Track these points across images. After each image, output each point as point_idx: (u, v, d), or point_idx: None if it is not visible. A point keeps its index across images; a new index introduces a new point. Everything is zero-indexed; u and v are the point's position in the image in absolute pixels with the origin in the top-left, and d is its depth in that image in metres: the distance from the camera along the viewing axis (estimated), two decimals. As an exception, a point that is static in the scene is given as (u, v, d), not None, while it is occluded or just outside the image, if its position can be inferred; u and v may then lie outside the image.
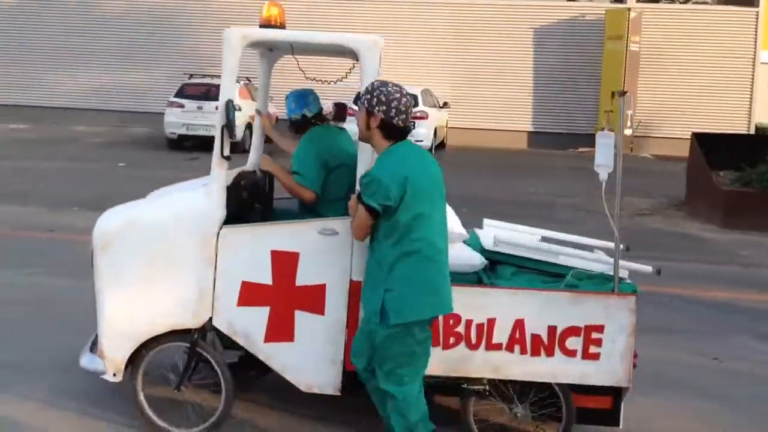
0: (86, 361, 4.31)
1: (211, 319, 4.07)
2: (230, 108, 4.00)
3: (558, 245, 4.55)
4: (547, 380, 4.07)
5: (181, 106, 18.14)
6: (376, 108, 3.56)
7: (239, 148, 17.94)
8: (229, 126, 3.99)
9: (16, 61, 24.03)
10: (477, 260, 4.26)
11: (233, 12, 23.68)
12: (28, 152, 16.23)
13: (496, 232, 4.55)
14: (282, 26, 4.27)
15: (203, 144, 17.98)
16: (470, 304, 4.00)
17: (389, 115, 3.55)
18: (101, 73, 23.49)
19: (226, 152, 4.05)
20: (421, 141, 17.65)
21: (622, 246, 4.22)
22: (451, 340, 4.03)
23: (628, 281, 4.26)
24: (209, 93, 18.23)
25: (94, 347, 4.27)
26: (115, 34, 23.58)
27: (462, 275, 4.12)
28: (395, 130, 3.59)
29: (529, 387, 4.13)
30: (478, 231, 4.78)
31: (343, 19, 23.13)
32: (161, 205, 4.27)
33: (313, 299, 4.04)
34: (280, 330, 4.07)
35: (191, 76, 19.30)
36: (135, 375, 4.18)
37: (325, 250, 4.02)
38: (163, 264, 4.06)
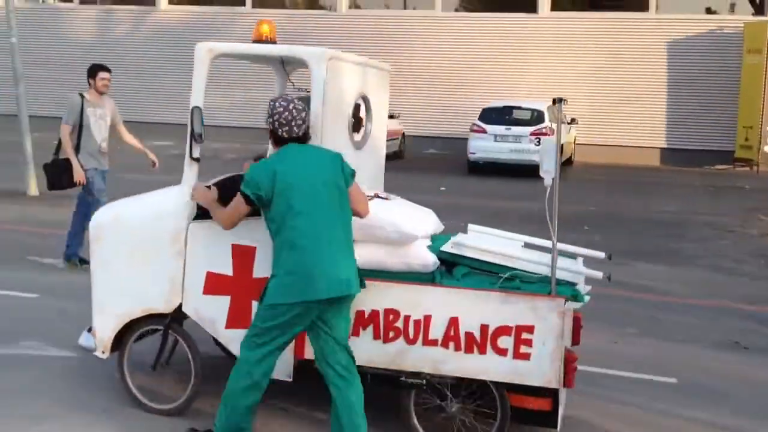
0: (83, 339, 5.14)
1: (181, 305, 4.51)
2: (195, 115, 4.47)
3: (532, 251, 4.74)
4: (479, 377, 4.22)
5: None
6: (268, 120, 4.13)
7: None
8: (194, 132, 4.42)
9: (161, 79, 25.30)
10: (430, 260, 4.42)
11: (357, 32, 24.17)
12: (173, 167, 16.94)
13: (459, 236, 4.79)
14: (273, 41, 4.73)
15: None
16: (409, 300, 4.23)
17: (274, 126, 4.11)
18: (239, 91, 24.34)
19: (196, 155, 4.46)
20: (546, 158, 17.36)
21: (604, 254, 4.59)
22: (391, 334, 4.27)
23: (577, 287, 4.33)
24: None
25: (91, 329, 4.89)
26: (249, 54, 24.48)
27: (416, 274, 4.38)
28: (280, 139, 4.13)
29: (466, 384, 4.29)
30: (460, 234, 4.95)
31: (474, 36, 23.20)
32: (143, 203, 4.75)
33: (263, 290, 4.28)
34: (239, 318, 4.41)
35: (303, 90, 19.77)
36: (121, 354, 4.72)
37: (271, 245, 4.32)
38: (143, 255, 4.57)
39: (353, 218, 4.16)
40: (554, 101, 4.32)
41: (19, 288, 7.07)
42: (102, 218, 4.73)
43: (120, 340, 4.68)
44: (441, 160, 20.95)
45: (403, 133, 21.33)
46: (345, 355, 4.07)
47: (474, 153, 17.88)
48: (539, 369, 4.12)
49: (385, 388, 4.39)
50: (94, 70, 8.03)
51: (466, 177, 17.66)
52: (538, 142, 17.29)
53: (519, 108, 18.35)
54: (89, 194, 7.99)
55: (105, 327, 4.66)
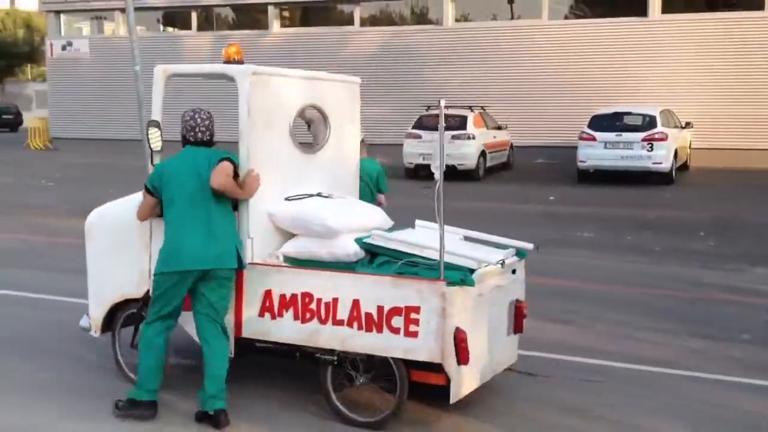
0: (83, 322, 5.61)
1: (149, 291, 5.04)
2: (150, 126, 5.13)
3: (460, 243, 5.27)
4: (379, 353, 4.65)
5: (418, 137, 18.78)
6: (181, 126, 4.92)
7: (473, 176, 18.35)
8: (148, 142, 5.11)
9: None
10: (351, 251, 4.95)
11: (464, 44, 24.29)
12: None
13: (395, 231, 5.23)
14: (240, 62, 5.34)
15: (439, 173, 18.50)
16: (320, 285, 4.75)
17: (183, 131, 4.92)
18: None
19: (156, 161, 5.07)
20: (660, 163, 16.98)
21: (532, 246, 5.18)
22: (307, 315, 4.78)
23: (477, 272, 4.68)
24: (445, 123, 18.74)
25: None
26: (363, 71, 24.88)
27: (342, 263, 4.92)
28: (186, 142, 4.91)
29: (371, 360, 4.71)
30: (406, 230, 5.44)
31: (581, 43, 22.96)
32: (124, 204, 5.37)
33: None
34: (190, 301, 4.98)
35: (429, 107, 19.96)
36: (113, 335, 5.47)
37: None
38: (120, 249, 5.29)
39: (292, 215, 5.02)
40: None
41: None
42: (92, 218, 5.53)
43: (110, 322, 5.46)
44: (550, 169, 20.78)
45: (512, 144, 21.29)
46: (209, 324, 4.81)
47: (584, 161, 17.66)
48: (426, 346, 4.52)
49: (308, 364, 4.95)
50: None
51: (576, 186, 17.47)
52: (651, 147, 16.93)
53: (629, 114, 17.99)
54: None
55: (96, 311, 5.47)
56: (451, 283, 4.49)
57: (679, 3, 23.02)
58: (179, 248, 4.70)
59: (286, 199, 5.16)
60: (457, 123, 18.59)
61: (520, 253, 5.31)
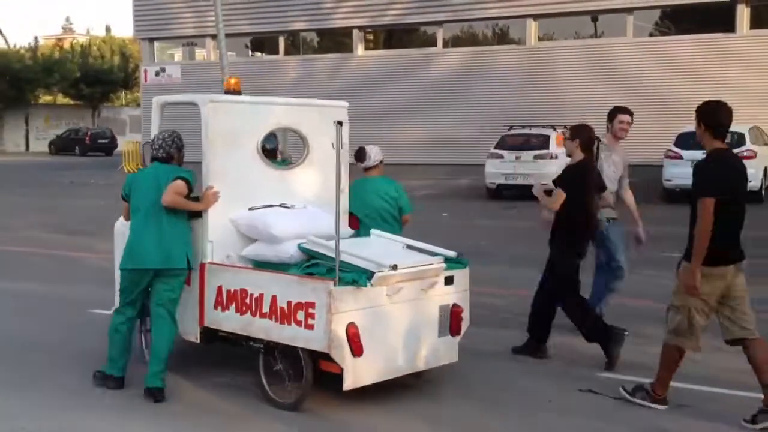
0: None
1: None
2: (145, 149, 6.10)
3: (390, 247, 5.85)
4: (289, 343, 5.25)
5: (500, 156, 18.84)
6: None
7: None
8: (143, 162, 6.19)
9: (361, 121, 26.62)
10: (287, 254, 5.58)
11: (547, 63, 24.24)
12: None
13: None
14: (238, 92, 6.13)
15: (522, 193, 18.49)
16: (252, 282, 5.43)
17: (150, 149, 5.79)
18: (431, 129, 25.08)
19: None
20: (749, 182, 16.55)
21: (455, 253, 5.68)
22: (243, 308, 5.44)
23: (363, 272, 5.14)
24: (528, 143, 18.76)
25: None
26: (446, 91, 25.19)
27: (283, 264, 5.55)
28: (153, 158, 5.75)
29: (289, 349, 5.28)
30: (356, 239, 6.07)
31: (668, 59, 22.65)
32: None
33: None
34: None
35: (511, 127, 20.03)
36: (140, 321, 6.13)
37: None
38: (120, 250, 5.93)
39: (247, 222, 5.75)
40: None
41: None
42: (117, 226, 6.43)
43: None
44: (634, 188, 20.30)
45: (596, 163, 21.09)
46: (161, 311, 5.61)
47: (670, 180, 17.38)
48: (319, 337, 5.08)
49: (246, 352, 5.62)
50: (613, 113, 7.44)
51: (663, 205, 17.19)
52: (740, 166, 16.55)
53: (717, 131, 17.63)
54: (600, 246, 7.21)
55: (117, 297, 6.01)
56: (344, 283, 5.08)
57: (768, 18, 22.50)
58: (136, 249, 5.59)
59: (250, 208, 5.86)
60: (540, 142, 18.59)
61: (461, 263, 5.78)
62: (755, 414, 5.09)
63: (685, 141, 17.54)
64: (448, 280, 5.66)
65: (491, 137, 20.78)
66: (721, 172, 5.19)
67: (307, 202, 6.06)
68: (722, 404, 5.61)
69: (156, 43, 31.90)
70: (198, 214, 5.75)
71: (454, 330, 5.71)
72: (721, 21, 22.51)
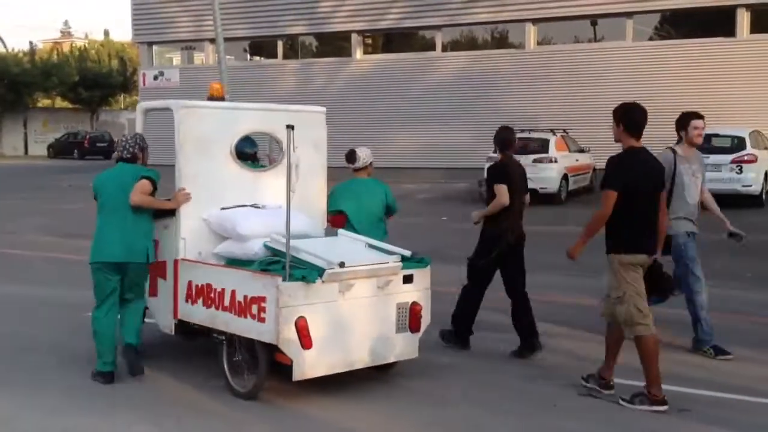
0: None
1: None
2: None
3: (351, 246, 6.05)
4: (246, 335, 5.56)
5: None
6: None
7: (555, 200, 18.20)
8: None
9: (359, 124, 26.58)
10: (254, 251, 5.90)
11: (546, 67, 24.23)
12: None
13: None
14: (221, 98, 6.70)
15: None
16: (216, 278, 5.77)
17: (115, 149, 6.37)
18: (430, 133, 25.04)
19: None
20: (750, 186, 16.57)
21: (410, 252, 5.98)
22: (209, 301, 5.80)
23: (314, 269, 5.45)
24: (526, 147, 18.68)
25: None
26: (445, 95, 25.16)
27: (247, 261, 5.88)
28: (117, 158, 6.27)
29: (246, 340, 5.61)
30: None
31: (667, 64, 22.64)
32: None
33: (162, 270, 6.24)
34: (153, 289, 6.37)
35: (509, 131, 19.95)
36: None
37: (165, 238, 6.24)
38: None
39: (217, 221, 6.12)
40: (287, 127, 5.39)
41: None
42: None
43: None
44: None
45: (595, 167, 21.06)
46: (128, 296, 6.20)
47: None
48: (269, 330, 5.36)
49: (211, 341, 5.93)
50: (685, 119, 6.94)
51: (663, 209, 17.13)
52: (740, 170, 16.54)
53: (717, 135, 17.57)
54: (680, 263, 6.87)
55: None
56: (293, 279, 5.36)
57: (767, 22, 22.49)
58: (101, 244, 6.04)
59: (222, 208, 6.20)
60: (539, 146, 18.56)
61: (423, 262, 6.04)
62: (634, 395, 5.54)
63: None
64: (407, 279, 5.91)
65: (490, 141, 20.67)
66: (629, 169, 5.57)
67: (282, 203, 6.03)
68: (729, 409, 5.57)
69: (155, 47, 31.88)
70: (170, 213, 6.16)
71: (413, 327, 5.93)
72: (721, 25, 22.50)
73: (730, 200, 16.95)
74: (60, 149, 45.48)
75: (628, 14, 23.52)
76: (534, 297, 6.98)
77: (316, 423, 5.29)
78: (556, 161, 18.42)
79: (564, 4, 23.99)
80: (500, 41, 26.72)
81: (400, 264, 5.85)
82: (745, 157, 16.71)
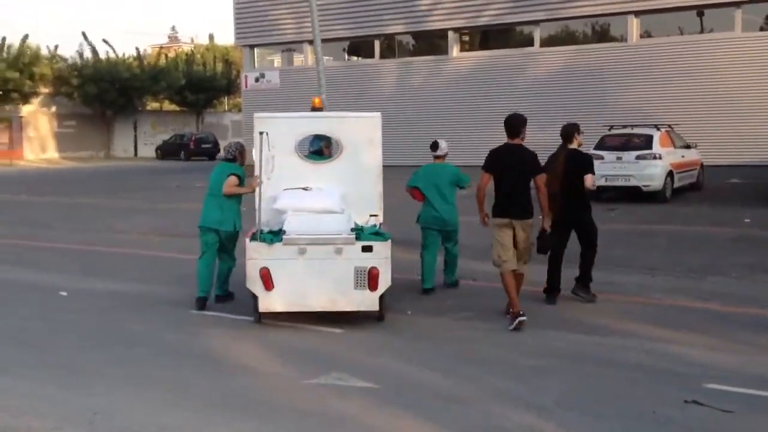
0: None
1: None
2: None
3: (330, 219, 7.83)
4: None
5: (601, 157, 18.28)
6: None
7: (660, 198, 17.64)
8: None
9: (458, 122, 26.47)
10: (278, 223, 7.86)
11: (650, 61, 23.52)
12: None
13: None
14: (321, 109, 9.10)
15: (622, 195, 17.96)
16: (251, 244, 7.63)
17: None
18: (529, 130, 24.62)
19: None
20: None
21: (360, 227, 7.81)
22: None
23: (288, 236, 7.56)
24: (629, 143, 18.19)
25: None
26: (544, 92, 24.79)
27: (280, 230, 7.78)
28: (223, 159, 8.73)
29: None
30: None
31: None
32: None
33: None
34: None
35: (611, 127, 19.49)
36: None
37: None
38: None
39: (275, 198, 8.03)
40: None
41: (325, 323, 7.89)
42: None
43: None
44: (745, 189, 19.63)
45: (702, 164, 20.30)
46: (225, 256, 8.61)
47: None
48: (246, 275, 7.61)
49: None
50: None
51: (777, 206, 16.38)
52: None
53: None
54: None
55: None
56: (263, 240, 7.47)
57: None
58: (204, 215, 8.44)
59: (284, 189, 8.09)
60: (643, 142, 17.98)
61: (383, 237, 7.59)
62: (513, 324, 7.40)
63: (603, 143, 16.63)
64: (366, 248, 7.45)
65: (592, 137, 20.23)
66: (498, 158, 7.78)
67: (332, 187, 8.08)
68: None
69: (256, 50, 32.60)
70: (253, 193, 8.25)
71: (372, 286, 7.43)
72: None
73: None
74: (167, 151, 47.07)
75: (737, 4, 22.62)
76: (633, 299, 6.78)
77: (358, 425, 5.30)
78: (660, 158, 17.79)
79: (668, -6, 23.27)
80: (601, 35, 26.13)
81: (353, 237, 7.49)
82: None
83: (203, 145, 46.27)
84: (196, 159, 44.47)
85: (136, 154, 51.33)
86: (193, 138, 47.07)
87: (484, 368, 6.33)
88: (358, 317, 7.92)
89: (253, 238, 7.54)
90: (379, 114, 8.43)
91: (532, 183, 7.73)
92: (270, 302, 7.50)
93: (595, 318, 7.88)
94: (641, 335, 7.21)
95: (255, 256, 7.45)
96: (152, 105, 58.17)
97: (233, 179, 8.29)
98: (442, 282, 9.28)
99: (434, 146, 9.24)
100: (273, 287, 7.40)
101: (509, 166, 7.69)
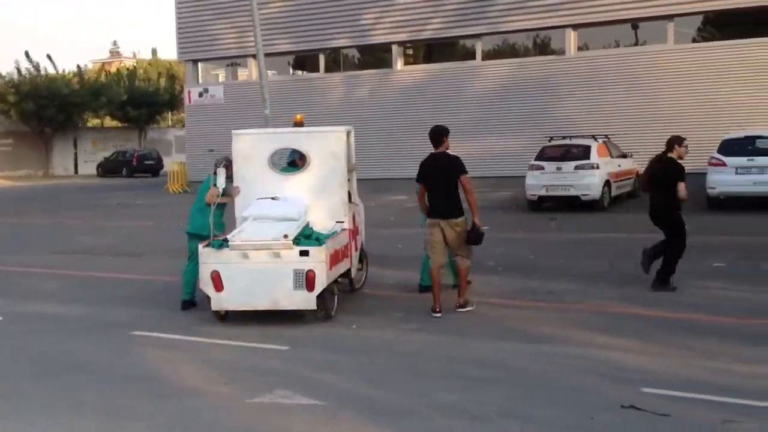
0: None
1: None
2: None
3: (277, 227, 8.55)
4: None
5: (541, 168, 18.65)
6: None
7: (598, 207, 18.02)
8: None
9: (399, 135, 26.64)
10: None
11: (588, 73, 24.04)
12: (405, 219, 17.90)
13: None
14: (301, 124, 10.40)
15: (562, 204, 18.30)
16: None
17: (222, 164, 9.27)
18: (473, 142, 24.86)
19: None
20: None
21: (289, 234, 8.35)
22: None
23: (231, 243, 8.34)
24: (568, 154, 18.58)
25: None
26: (487, 104, 25.11)
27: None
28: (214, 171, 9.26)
29: None
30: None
31: (710, 66, 22.32)
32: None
33: None
34: None
35: (551, 138, 19.87)
36: None
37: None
38: None
39: (246, 206, 8.96)
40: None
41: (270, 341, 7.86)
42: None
43: None
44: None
45: (638, 172, 20.78)
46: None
47: (713, 188, 17.06)
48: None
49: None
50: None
51: (707, 213, 16.86)
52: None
53: (762, 137, 17.27)
54: None
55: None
56: (213, 246, 8.27)
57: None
58: (190, 221, 9.21)
59: (257, 199, 8.93)
60: (581, 153, 18.39)
61: (319, 241, 8.31)
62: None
63: (729, 148, 17.21)
64: (304, 253, 8.12)
65: (532, 149, 20.64)
66: (423, 167, 8.87)
67: (299, 196, 8.91)
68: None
69: (200, 65, 32.37)
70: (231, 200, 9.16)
71: (309, 287, 8.10)
72: (764, 24, 22.11)
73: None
74: (109, 168, 46.31)
75: (669, 17, 23.26)
76: (574, 307, 6.94)
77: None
78: (597, 167, 18.22)
79: (604, 9, 23.82)
80: (542, 48, 26.61)
81: (290, 242, 8.15)
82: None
83: (146, 162, 45.69)
84: (139, 176, 43.88)
85: (76, 171, 50.42)
86: (136, 154, 46.44)
87: (429, 381, 6.41)
88: (303, 334, 7.94)
89: (208, 244, 8.31)
90: (343, 129, 9.24)
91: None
92: (221, 302, 8.28)
93: (538, 327, 8.04)
94: (582, 343, 7.38)
95: (206, 260, 8.22)
96: (93, 121, 57.31)
97: (215, 189, 8.99)
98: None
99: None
100: (223, 289, 8.18)
101: (435, 172, 8.71)
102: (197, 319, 8.74)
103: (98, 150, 50.99)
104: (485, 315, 8.59)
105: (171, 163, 33.24)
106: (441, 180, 8.68)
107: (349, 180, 9.40)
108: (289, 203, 8.82)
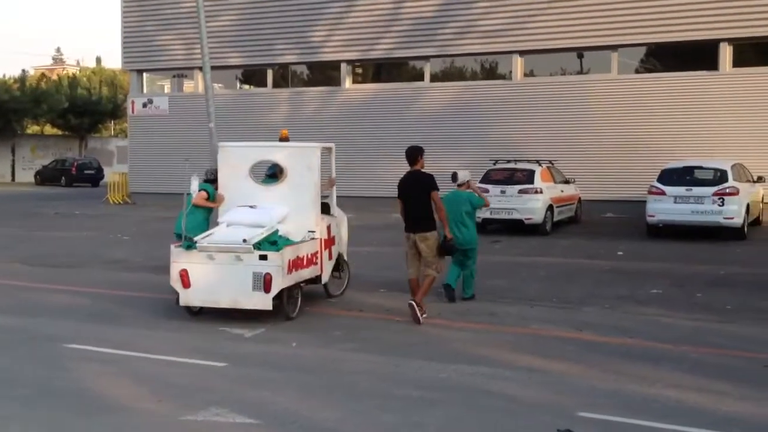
0: None
1: None
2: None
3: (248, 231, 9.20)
4: None
5: (486, 191, 18.76)
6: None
7: (541, 231, 18.26)
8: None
9: (348, 153, 26.58)
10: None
11: (533, 98, 24.43)
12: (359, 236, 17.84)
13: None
14: (287, 139, 10.90)
15: (506, 227, 18.49)
16: None
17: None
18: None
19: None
20: (732, 218, 16.68)
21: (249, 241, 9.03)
22: None
23: (200, 243, 9.20)
24: (512, 178, 18.77)
25: None
26: (433, 125, 25.25)
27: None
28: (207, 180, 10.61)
29: None
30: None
31: (651, 97, 22.86)
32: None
33: None
34: None
35: (496, 162, 20.07)
36: None
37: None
38: None
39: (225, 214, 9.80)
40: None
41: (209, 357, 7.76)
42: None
43: None
44: (619, 224, 20.59)
45: (580, 198, 21.17)
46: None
47: (653, 216, 17.43)
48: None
49: None
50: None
51: (646, 241, 17.21)
52: (722, 202, 16.66)
53: (700, 168, 17.73)
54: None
55: None
56: (181, 247, 9.04)
57: (750, 56, 22.74)
58: (177, 222, 9.77)
59: (238, 206, 9.63)
60: (525, 177, 18.61)
61: (277, 246, 8.88)
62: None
63: (668, 177, 17.61)
64: (263, 257, 8.75)
65: (477, 171, 20.78)
66: (400, 184, 9.57)
67: (276, 205, 9.55)
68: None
69: (145, 75, 31.94)
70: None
71: (266, 289, 8.71)
72: (704, 59, 22.76)
73: (712, 233, 17.13)
74: (47, 176, 45.30)
75: (614, 47, 23.76)
76: (514, 330, 6.98)
77: None
78: (541, 192, 18.47)
79: (551, 36, 24.23)
80: (489, 72, 26.93)
81: (250, 247, 8.77)
82: (727, 190, 16.80)
83: (86, 171, 44.80)
84: (79, 185, 42.99)
85: (13, 179, 49.20)
86: (75, 163, 45.49)
87: (368, 401, 6.37)
88: (241, 351, 7.82)
89: (179, 245, 9.07)
90: (317, 145, 10.06)
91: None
92: (188, 298, 9.00)
93: (478, 349, 8.07)
94: (520, 365, 7.42)
95: (176, 259, 9.00)
96: (33, 128, 56.08)
97: (203, 194, 10.00)
98: (461, 296, 10.54)
99: (454, 177, 10.81)
100: (190, 286, 8.89)
101: (409, 189, 9.42)
102: (134, 334, 8.57)
103: (37, 158, 49.89)
104: (426, 335, 8.60)
105: (112, 174, 32.65)
106: (414, 196, 9.36)
107: (329, 194, 10.40)
108: (264, 212, 9.45)
